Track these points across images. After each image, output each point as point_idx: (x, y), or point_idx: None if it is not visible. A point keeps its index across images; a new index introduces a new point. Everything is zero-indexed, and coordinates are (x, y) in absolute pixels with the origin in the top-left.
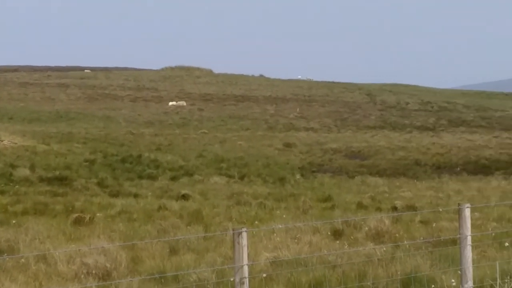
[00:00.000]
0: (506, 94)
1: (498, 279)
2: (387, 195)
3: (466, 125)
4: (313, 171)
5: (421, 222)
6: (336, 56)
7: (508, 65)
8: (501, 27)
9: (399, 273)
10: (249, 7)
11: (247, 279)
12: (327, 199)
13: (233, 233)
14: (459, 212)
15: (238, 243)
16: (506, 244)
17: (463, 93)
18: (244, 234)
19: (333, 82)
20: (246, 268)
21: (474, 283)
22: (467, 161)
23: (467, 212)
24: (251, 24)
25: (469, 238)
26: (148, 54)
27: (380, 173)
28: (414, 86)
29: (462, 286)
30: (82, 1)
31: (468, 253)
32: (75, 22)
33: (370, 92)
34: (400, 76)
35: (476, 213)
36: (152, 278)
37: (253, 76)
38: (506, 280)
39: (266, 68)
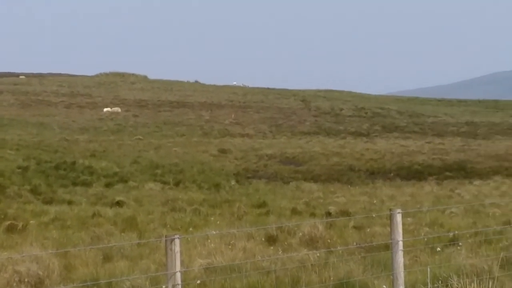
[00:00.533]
0: (439, 100)
1: (429, 284)
2: (321, 200)
3: (399, 130)
4: (248, 177)
5: (354, 227)
6: (271, 63)
7: (442, 71)
8: (436, 35)
9: (332, 278)
10: (184, 13)
11: (180, 286)
12: (262, 205)
13: (165, 240)
14: (390, 218)
15: (171, 249)
16: (438, 249)
17: (397, 99)
18: (177, 241)
19: (268, 89)
20: (179, 275)
21: (406, 287)
22: (400, 167)
23: (398, 218)
24: (186, 30)
25: (400, 243)
26: (83, 60)
27: (314, 178)
28: (348, 92)
29: None
30: (15, 6)
31: (400, 258)
32: (8, 28)
33: (305, 98)
34: (334, 82)
35: (409, 218)
36: (85, 285)
37: (188, 82)
38: (436, 285)
39: (201, 74)
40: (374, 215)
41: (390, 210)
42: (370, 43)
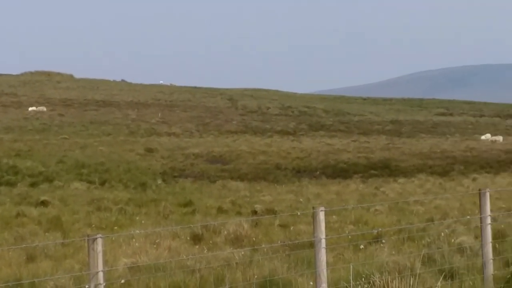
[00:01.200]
0: (364, 99)
1: (351, 281)
2: (247, 199)
3: (325, 129)
4: (175, 176)
5: (280, 225)
6: (198, 61)
7: (368, 71)
8: (361, 35)
9: (256, 276)
10: (109, 11)
11: (102, 285)
12: (188, 204)
13: (87, 239)
14: (313, 216)
15: (93, 249)
16: (362, 246)
17: (323, 98)
18: (99, 241)
19: (195, 87)
20: (101, 275)
21: (329, 285)
22: (326, 165)
23: (321, 216)
24: (113, 28)
25: (323, 241)
26: (7, 59)
27: (241, 177)
28: (275, 91)
29: None
30: None
31: (323, 256)
32: None
33: (232, 97)
34: (261, 81)
35: (334, 216)
36: (7, 286)
37: (114, 81)
38: (359, 282)
39: (128, 73)
40: (299, 213)
41: (313, 208)
42: (297, 42)
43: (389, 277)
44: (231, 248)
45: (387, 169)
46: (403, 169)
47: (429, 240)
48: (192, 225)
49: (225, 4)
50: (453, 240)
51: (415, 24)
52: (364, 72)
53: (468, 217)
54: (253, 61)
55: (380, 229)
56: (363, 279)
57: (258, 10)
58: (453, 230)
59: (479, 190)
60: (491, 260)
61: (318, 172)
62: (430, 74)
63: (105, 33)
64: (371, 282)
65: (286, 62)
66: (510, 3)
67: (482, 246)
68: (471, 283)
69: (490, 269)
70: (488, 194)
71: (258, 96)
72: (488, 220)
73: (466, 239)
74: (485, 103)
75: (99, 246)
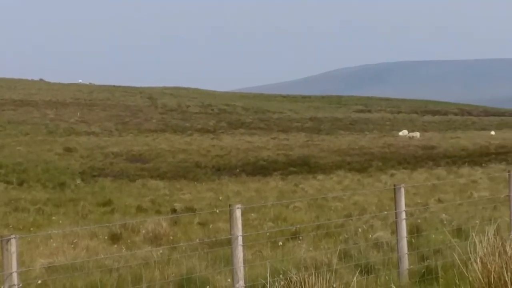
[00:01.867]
0: (284, 96)
1: (268, 278)
2: (167, 197)
3: (245, 127)
4: (94, 176)
5: (199, 223)
6: (117, 60)
7: (287, 68)
8: (278, 33)
9: (174, 274)
10: (27, 10)
11: (17, 286)
12: (107, 203)
13: (1, 240)
14: (230, 213)
15: (7, 250)
16: (280, 243)
17: (243, 96)
18: (13, 241)
19: (115, 86)
20: (15, 275)
21: (246, 282)
22: (246, 163)
23: (238, 213)
24: (30, 26)
25: (240, 238)
26: None
27: (161, 176)
28: (195, 89)
29: (234, 285)
30: None
31: (240, 253)
32: None
33: (151, 95)
34: (181, 79)
35: (253, 214)
36: None
37: (32, 80)
38: (276, 279)
39: (46, 72)
40: (217, 211)
41: (230, 205)
42: (217, 40)
43: (306, 273)
44: (150, 247)
45: (306, 166)
46: (322, 166)
47: (346, 236)
48: (110, 224)
49: (148, 2)
50: (370, 236)
51: (332, 23)
52: (283, 70)
53: (386, 212)
54: (174, 59)
55: (298, 226)
56: (280, 275)
57: (181, 10)
58: (371, 226)
59: (394, 185)
60: (406, 255)
61: (238, 170)
62: (349, 71)
63: (22, 31)
64: (288, 278)
65: (206, 60)
66: (422, 3)
67: (397, 241)
68: (387, 278)
69: (406, 263)
70: (403, 190)
71: (178, 94)
72: (403, 216)
73: (383, 234)
74: (402, 100)
75: (13, 246)
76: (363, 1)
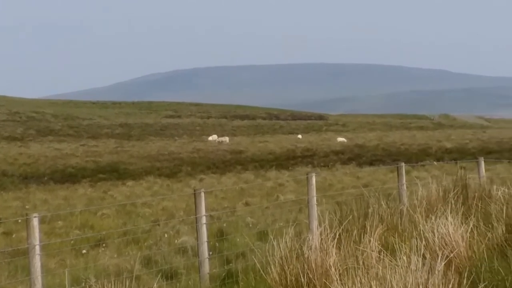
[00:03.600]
0: (94, 103)
1: (67, 286)
2: None
3: (54, 134)
4: None
5: (4, 233)
6: None
7: (96, 75)
8: (96, 38)
9: None
10: None
11: None
12: None
13: None
14: (26, 222)
15: None
16: (84, 251)
17: (52, 103)
18: None
19: None
20: None
21: None
22: (54, 170)
23: (35, 222)
24: None
25: (37, 247)
26: None
27: None
28: (2, 96)
29: None
30: None
31: (37, 263)
32: None
33: None
34: None
35: (60, 222)
36: None
37: None
38: (76, 287)
39: None
40: (19, 220)
41: (27, 215)
42: (25, 46)
43: (105, 280)
44: None
45: (115, 173)
46: (132, 172)
47: (151, 242)
48: None
49: None
50: (176, 241)
51: (141, 29)
52: (94, 76)
53: (193, 217)
54: None
55: (104, 233)
56: (83, 283)
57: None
58: (177, 231)
59: (194, 191)
60: (207, 259)
61: (46, 178)
62: (159, 76)
63: None
64: (88, 286)
65: (14, 67)
66: (223, 10)
67: (198, 246)
68: (190, 282)
69: (207, 267)
70: (203, 194)
71: None
72: (204, 220)
73: (188, 239)
74: (212, 105)
75: None
76: (174, 6)
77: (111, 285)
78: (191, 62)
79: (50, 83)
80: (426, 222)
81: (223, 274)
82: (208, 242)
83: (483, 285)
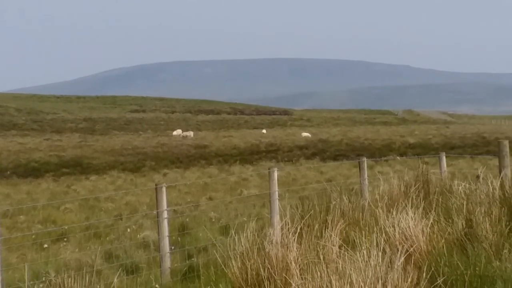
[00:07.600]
0: (58, 97)
1: (26, 281)
2: None
3: (17, 128)
4: None
5: None
6: None
7: (60, 69)
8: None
9: None
10: None
11: None
12: None
13: None
14: None
15: None
16: (46, 245)
17: (16, 97)
18: None
19: None
20: None
21: (4, 286)
22: (17, 165)
23: None
24: None
25: None
26: None
27: None
28: None
29: None
30: None
31: None
32: None
33: None
34: None
35: (22, 216)
36: None
37: None
38: (35, 282)
39: None
40: None
41: None
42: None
43: (66, 275)
44: None
45: (79, 167)
46: (95, 167)
47: (113, 237)
48: None
49: None
50: (138, 235)
51: (106, 23)
52: (58, 70)
53: (155, 212)
54: None
55: (66, 227)
56: (43, 278)
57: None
58: (140, 225)
59: (156, 185)
60: (168, 254)
61: (8, 172)
62: (124, 71)
63: None
64: (48, 281)
65: None
66: (194, 7)
67: (159, 240)
68: (151, 277)
69: (168, 262)
70: (164, 189)
71: None
72: (165, 215)
73: (150, 234)
74: (177, 100)
75: None
76: (139, 1)
77: (71, 279)
78: (155, 57)
79: (14, 77)
80: (387, 217)
81: (185, 269)
82: (170, 236)
83: (442, 280)
